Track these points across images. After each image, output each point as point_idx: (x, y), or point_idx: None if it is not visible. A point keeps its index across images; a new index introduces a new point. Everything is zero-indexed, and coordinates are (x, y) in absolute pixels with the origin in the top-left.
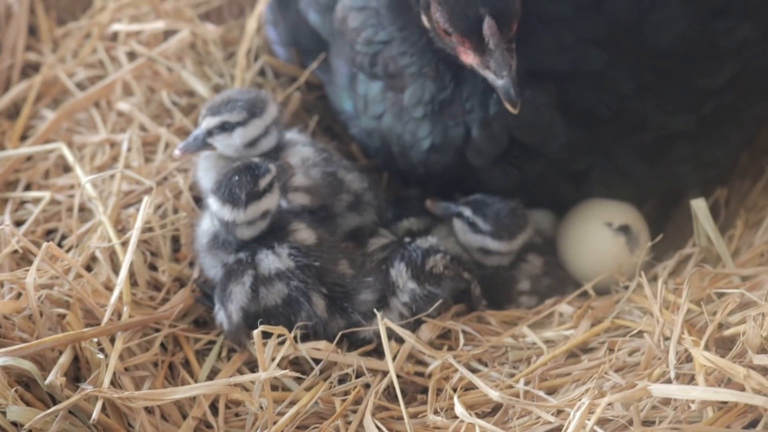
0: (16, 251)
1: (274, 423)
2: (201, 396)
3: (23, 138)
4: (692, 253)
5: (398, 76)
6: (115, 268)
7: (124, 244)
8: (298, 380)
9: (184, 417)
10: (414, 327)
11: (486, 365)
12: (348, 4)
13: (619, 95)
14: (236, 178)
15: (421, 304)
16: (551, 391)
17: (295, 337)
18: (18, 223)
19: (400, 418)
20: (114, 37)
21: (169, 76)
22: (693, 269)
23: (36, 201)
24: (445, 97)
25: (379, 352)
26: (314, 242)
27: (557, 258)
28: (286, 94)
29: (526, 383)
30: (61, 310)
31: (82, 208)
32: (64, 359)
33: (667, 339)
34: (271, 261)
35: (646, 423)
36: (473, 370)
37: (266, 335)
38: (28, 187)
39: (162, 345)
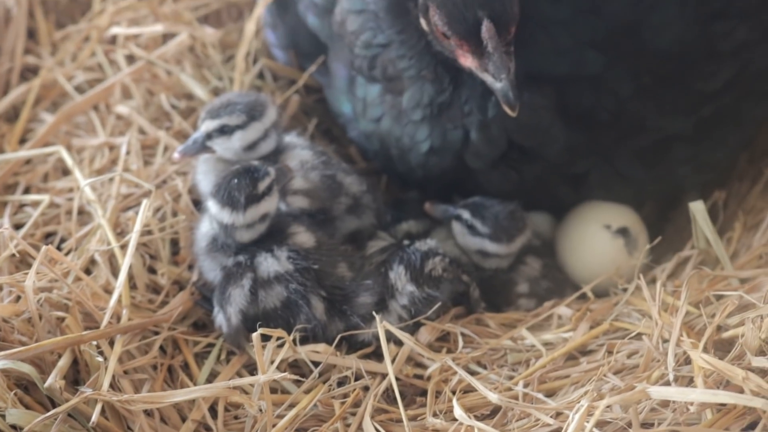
0: (14, 255)
1: (274, 426)
2: (200, 399)
3: (22, 141)
4: (691, 256)
5: (397, 79)
6: (114, 271)
7: (123, 247)
8: (297, 383)
9: (184, 420)
10: (413, 329)
11: (485, 368)
12: (346, 7)
13: (617, 98)
14: (235, 181)
15: (420, 306)
16: (550, 394)
17: (294, 340)
18: (17, 226)
19: (399, 421)
20: (113, 40)
21: (168, 79)
22: (691, 272)
23: (35, 204)
24: (444, 100)
25: (378, 355)
26: (313, 245)
27: (556, 260)
28: (285, 97)
29: (525, 386)
30: (61, 313)
31: (81, 211)
32: (64, 362)
33: (665, 341)
34: (270, 264)
35: (645, 425)
36: (472, 373)
37: (265, 338)
38: (27, 190)
39: (161, 348)
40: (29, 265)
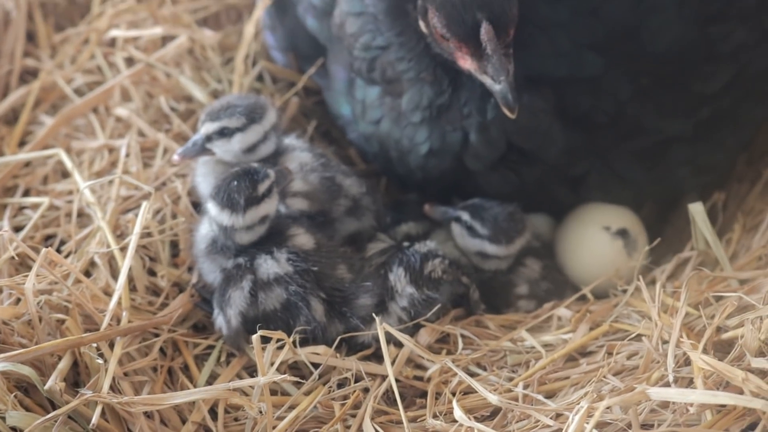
0: (14, 257)
1: (274, 427)
2: (200, 401)
3: (22, 144)
4: (690, 257)
5: (396, 81)
6: (114, 274)
7: (123, 249)
8: (297, 385)
9: (184, 422)
10: (413, 331)
11: (485, 369)
12: (346, 9)
13: (616, 100)
14: (235, 183)
15: (420, 308)
16: (550, 395)
17: (294, 342)
18: (17, 229)
19: (399, 422)
20: (112, 43)
21: (167, 82)
22: (691, 273)
23: (35, 206)
24: (443, 102)
25: (378, 357)
26: (313, 247)
27: (555, 262)
28: (284, 99)
29: (525, 387)
30: (60, 316)
31: (81, 214)
32: (64, 364)
33: (665, 342)
34: (269, 266)
35: (645, 426)
36: (472, 374)
37: (265, 340)
38: (26, 193)
39: (161, 350)
40: (29, 268)
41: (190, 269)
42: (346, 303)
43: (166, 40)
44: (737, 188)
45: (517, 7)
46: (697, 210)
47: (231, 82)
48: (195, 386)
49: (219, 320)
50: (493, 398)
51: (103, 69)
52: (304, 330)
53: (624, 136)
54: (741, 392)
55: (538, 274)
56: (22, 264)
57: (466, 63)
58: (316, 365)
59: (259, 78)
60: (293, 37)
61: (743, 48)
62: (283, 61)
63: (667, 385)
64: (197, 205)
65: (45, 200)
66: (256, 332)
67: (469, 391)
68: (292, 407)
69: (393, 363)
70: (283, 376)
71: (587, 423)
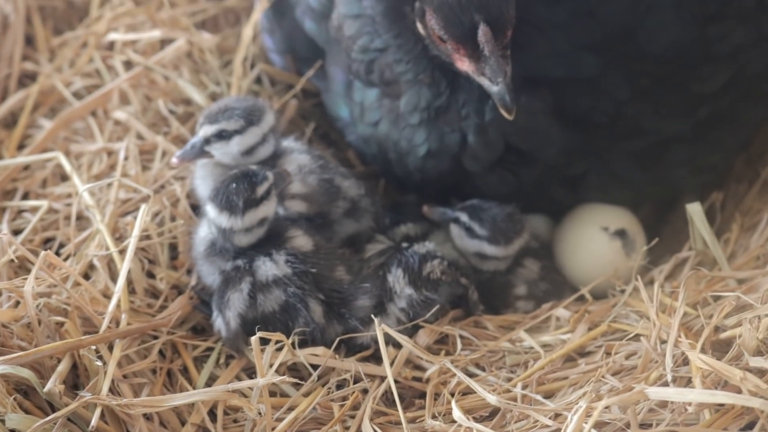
0: (13, 260)
1: (273, 429)
2: (199, 402)
3: (20, 147)
4: (688, 257)
5: (394, 83)
6: (113, 276)
7: (122, 252)
8: (296, 386)
9: (183, 423)
10: (411, 332)
11: (483, 370)
12: (343, 11)
13: (614, 100)
14: (234, 185)
15: (419, 309)
16: (549, 395)
17: (293, 343)
18: (16, 232)
19: (399, 423)
20: (110, 46)
21: (165, 85)
22: (689, 273)
23: (34, 210)
24: (441, 104)
25: (376, 358)
26: (311, 249)
27: (554, 262)
28: (283, 101)
29: (524, 387)
30: (60, 318)
31: (80, 217)
32: (63, 367)
33: (663, 342)
34: (268, 268)
35: (644, 426)
36: (471, 375)
37: (264, 341)
38: (25, 196)
39: (160, 352)
40: (28, 271)
41: (189, 271)
42: (344, 304)
43: (164, 43)
44: (735, 188)
45: (515, 8)
46: (695, 210)
47: (229, 84)
48: (194, 388)
49: (218, 322)
50: (492, 399)
51: (101, 72)
52: (302, 331)
53: (622, 136)
54: (739, 391)
55: (536, 274)
56: (21, 267)
57: (464, 65)
58: (315, 366)
59: (258, 80)
60: (291, 39)
61: (742, 48)
62: (281, 63)
63: (666, 384)
64: (196, 208)
65: (44, 203)
66: (255, 334)
67: (468, 391)
68: (291, 408)
69: (392, 364)
70: (282, 377)
71: (586, 423)
